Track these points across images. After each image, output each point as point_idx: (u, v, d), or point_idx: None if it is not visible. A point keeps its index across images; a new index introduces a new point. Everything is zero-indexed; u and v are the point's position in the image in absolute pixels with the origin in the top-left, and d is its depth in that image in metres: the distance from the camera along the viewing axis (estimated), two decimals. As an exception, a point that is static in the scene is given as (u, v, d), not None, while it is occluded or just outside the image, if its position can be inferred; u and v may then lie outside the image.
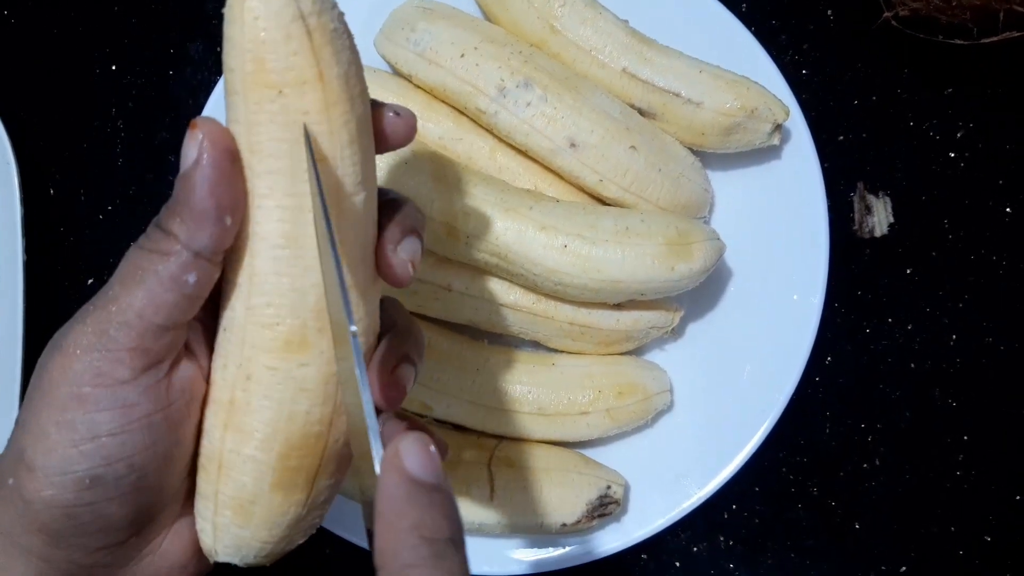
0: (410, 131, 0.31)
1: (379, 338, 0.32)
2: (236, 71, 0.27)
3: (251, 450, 0.30)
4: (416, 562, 0.25)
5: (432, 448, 0.26)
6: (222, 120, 0.29)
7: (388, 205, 0.32)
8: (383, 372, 0.31)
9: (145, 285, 0.28)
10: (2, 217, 0.53)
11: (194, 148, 0.28)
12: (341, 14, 0.28)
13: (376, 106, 0.31)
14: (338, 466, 0.32)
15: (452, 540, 0.26)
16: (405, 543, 0.25)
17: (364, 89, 0.29)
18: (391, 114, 0.31)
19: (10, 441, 0.29)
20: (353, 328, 0.27)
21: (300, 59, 0.27)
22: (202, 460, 0.31)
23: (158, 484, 0.30)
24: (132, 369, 0.28)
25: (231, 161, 0.28)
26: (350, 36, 0.28)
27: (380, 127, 0.31)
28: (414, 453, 0.26)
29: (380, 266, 0.31)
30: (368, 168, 0.29)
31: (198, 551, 0.32)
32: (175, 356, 0.29)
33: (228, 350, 0.30)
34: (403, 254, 0.31)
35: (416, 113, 0.49)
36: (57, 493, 0.28)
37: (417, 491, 0.26)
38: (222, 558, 0.32)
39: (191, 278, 0.28)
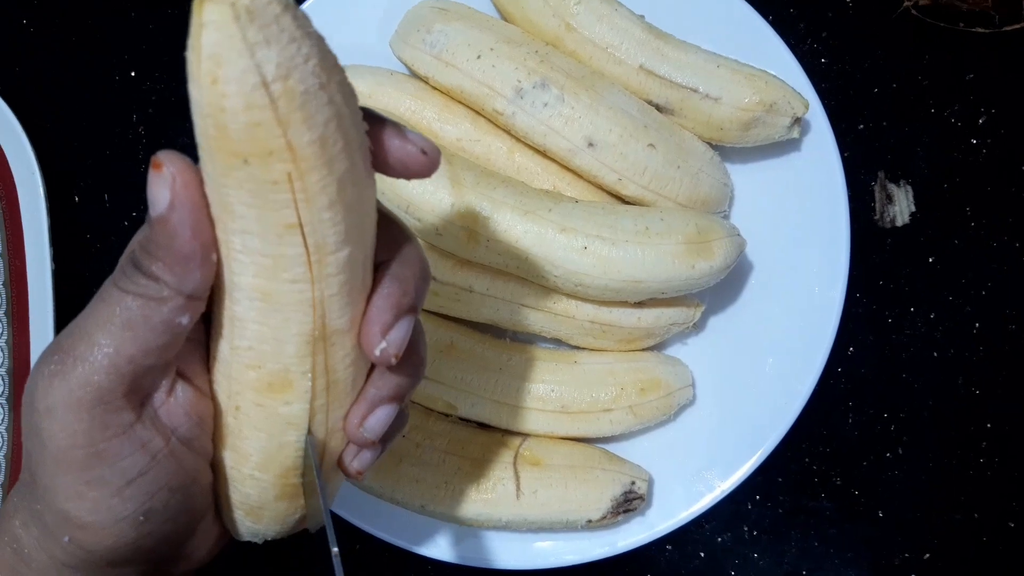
0: (433, 167, 0.30)
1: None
2: (200, 131, 0.25)
3: (250, 470, 0.31)
4: None
5: None
6: None
7: (389, 247, 0.30)
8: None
9: (136, 332, 0.27)
10: (29, 226, 0.53)
11: (166, 190, 0.26)
12: (321, 63, 0.24)
13: (400, 136, 0.29)
14: (337, 472, 0.33)
15: None
16: None
17: (350, 141, 0.26)
18: (414, 149, 0.29)
19: (38, 505, 0.30)
20: (335, 550, 0.28)
21: (263, 130, 0.24)
22: (214, 464, 0.32)
23: (203, 490, 0.32)
24: (134, 410, 0.29)
25: (205, 198, 0.27)
26: (332, 83, 0.25)
27: (401, 157, 0.29)
28: None
29: (360, 339, 0.29)
30: (353, 218, 0.27)
31: None
32: (171, 380, 0.30)
33: (219, 379, 0.31)
34: (390, 347, 0.29)
35: (434, 115, 0.50)
36: (119, 539, 0.29)
37: None
38: (244, 539, 0.34)
39: (184, 320, 0.28)
